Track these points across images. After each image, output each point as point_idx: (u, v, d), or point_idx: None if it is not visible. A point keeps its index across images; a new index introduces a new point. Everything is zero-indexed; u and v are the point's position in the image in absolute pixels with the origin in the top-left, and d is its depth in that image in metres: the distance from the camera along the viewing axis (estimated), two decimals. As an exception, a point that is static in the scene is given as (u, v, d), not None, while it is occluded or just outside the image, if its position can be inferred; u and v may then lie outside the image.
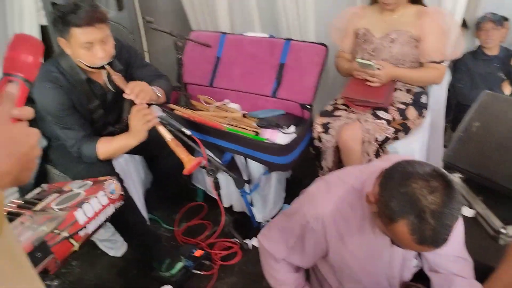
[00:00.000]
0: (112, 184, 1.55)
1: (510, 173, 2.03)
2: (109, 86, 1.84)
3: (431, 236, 0.92)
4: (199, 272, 1.97)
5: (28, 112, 0.63)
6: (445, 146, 2.50)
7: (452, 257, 1.24)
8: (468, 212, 2.11)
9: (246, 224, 2.22)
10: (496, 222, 1.96)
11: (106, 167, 1.81)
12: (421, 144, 2.05)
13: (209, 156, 1.89)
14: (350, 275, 1.29)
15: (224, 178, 2.15)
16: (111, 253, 2.13)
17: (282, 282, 1.37)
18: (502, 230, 1.90)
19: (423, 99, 2.01)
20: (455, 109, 2.62)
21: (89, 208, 1.42)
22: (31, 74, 0.66)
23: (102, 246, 2.14)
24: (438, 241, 0.93)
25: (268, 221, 2.20)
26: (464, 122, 2.08)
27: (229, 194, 2.28)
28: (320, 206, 1.17)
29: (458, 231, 1.24)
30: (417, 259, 1.39)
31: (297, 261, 1.31)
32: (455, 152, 2.10)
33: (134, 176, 2.16)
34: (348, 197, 1.16)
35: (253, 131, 1.99)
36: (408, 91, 2.01)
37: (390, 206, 0.96)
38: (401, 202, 0.94)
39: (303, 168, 2.43)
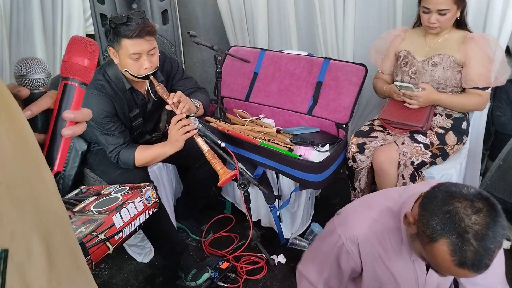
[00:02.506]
0: (149, 191, 1.58)
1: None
2: (151, 96, 1.90)
3: (472, 259, 0.87)
4: (223, 285, 1.96)
5: (88, 114, 0.65)
6: (481, 175, 2.43)
7: (491, 286, 1.19)
8: (505, 243, 2.03)
9: (273, 240, 2.21)
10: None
11: (141, 174, 1.85)
12: (458, 171, 2.00)
13: (242, 169, 1.90)
14: None
15: (254, 192, 2.16)
16: (139, 258, 2.16)
17: None
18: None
19: (464, 125, 1.97)
20: (494, 138, 2.55)
21: (126, 213, 1.46)
22: (87, 77, 0.66)
23: (130, 251, 2.17)
24: (479, 265, 0.88)
25: (296, 238, 2.18)
26: (505, 151, 2.01)
27: (258, 208, 2.28)
28: (354, 227, 1.15)
29: (499, 262, 1.18)
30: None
31: (334, 283, 1.29)
32: (493, 181, 2.03)
33: (166, 184, 2.20)
34: (384, 219, 1.14)
35: (287, 147, 1.99)
36: (448, 116, 1.97)
37: (431, 224, 0.92)
38: (443, 220, 0.91)
39: (333, 187, 2.42)
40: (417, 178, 1.87)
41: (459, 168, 2.00)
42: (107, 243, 1.36)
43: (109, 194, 1.58)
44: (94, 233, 1.34)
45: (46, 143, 0.63)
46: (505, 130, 2.40)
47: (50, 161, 0.62)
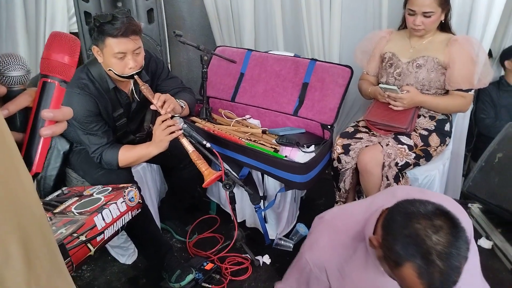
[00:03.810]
0: (132, 192, 1.56)
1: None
2: (135, 96, 1.88)
3: (440, 279, 0.87)
4: (208, 286, 1.94)
5: (68, 113, 0.63)
6: (463, 176, 2.47)
7: None
8: (485, 243, 2.06)
9: (258, 241, 2.20)
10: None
11: (125, 174, 1.82)
12: (441, 172, 2.02)
13: (227, 170, 1.89)
14: None
15: (239, 193, 2.15)
16: (122, 260, 2.12)
17: None
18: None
19: (447, 126, 2.00)
20: (476, 139, 2.59)
21: (108, 214, 1.43)
22: (68, 74, 0.64)
23: (113, 252, 2.14)
24: (447, 284, 0.88)
25: (281, 238, 2.18)
26: (487, 152, 2.05)
27: (243, 209, 2.27)
28: (321, 253, 1.17)
29: (473, 264, 1.20)
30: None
31: None
32: (475, 182, 2.07)
33: (150, 184, 2.17)
34: (349, 241, 1.14)
35: (273, 147, 1.98)
36: (432, 118, 1.99)
37: (394, 249, 0.92)
38: (405, 244, 0.90)
39: (318, 187, 2.43)
40: (401, 179, 1.89)
41: (442, 169, 2.03)
42: (88, 245, 1.34)
43: (91, 195, 1.55)
44: (75, 235, 1.31)
45: (25, 143, 0.61)
46: (488, 133, 2.44)
47: (29, 162, 0.60)
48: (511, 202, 1.98)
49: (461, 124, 2.23)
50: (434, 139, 1.93)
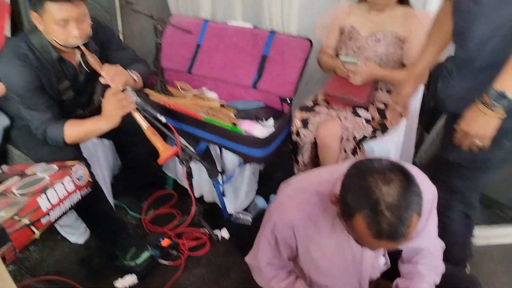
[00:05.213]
0: (80, 170, 1.46)
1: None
2: (83, 67, 1.74)
3: (387, 230, 0.88)
4: (165, 262, 1.91)
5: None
6: (415, 147, 2.55)
7: (427, 249, 1.25)
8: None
9: (216, 215, 2.18)
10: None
11: (73, 151, 1.71)
12: (396, 145, 2.07)
13: (184, 145, 1.83)
14: (318, 278, 1.28)
15: (196, 168, 2.10)
16: (73, 239, 2.03)
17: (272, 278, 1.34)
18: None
19: (402, 100, 2.02)
20: (428, 112, 2.67)
21: (54, 194, 1.33)
22: None
23: (63, 232, 2.04)
24: (395, 235, 0.89)
25: (239, 212, 2.17)
26: (438, 126, 2.11)
27: (200, 184, 2.22)
28: (289, 212, 1.17)
29: (434, 223, 1.25)
30: (384, 257, 1.40)
31: (276, 262, 1.31)
32: (427, 154, 2.14)
33: (101, 161, 2.07)
34: (317, 201, 1.14)
35: (231, 121, 1.93)
36: (389, 91, 2.01)
37: (347, 201, 0.94)
38: (356, 195, 0.92)
39: (277, 160, 2.42)
40: (358, 152, 1.91)
41: (397, 141, 2.07)
42: (32, 227, 1.24)
43: (34, 174, 1.44)
44: (16, 218, 1.21)
45: None
46: (442, 106, 2.51)
47: None
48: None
49: (415, 98, 2.27)
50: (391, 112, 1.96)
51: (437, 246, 1.30)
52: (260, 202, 2.24)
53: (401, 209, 0.88)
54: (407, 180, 0.91)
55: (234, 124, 1.93)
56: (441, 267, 1.27)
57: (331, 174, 1.16)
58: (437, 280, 1.25)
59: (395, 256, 1.34)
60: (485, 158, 1.32)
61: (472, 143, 1.20)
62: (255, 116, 1.94)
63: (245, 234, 2.07)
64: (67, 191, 1.39)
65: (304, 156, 2.02)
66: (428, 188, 1.17)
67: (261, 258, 1.30)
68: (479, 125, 1.15)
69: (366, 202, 0.89)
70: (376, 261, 1.32)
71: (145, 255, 1.85)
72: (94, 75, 1.74)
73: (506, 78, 1.09)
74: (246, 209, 2.23)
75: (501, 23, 1.13)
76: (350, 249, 1.20)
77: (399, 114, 1.83)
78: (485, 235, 1.98)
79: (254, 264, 1.35)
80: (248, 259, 1.39)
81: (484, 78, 1.17)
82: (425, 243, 1.25)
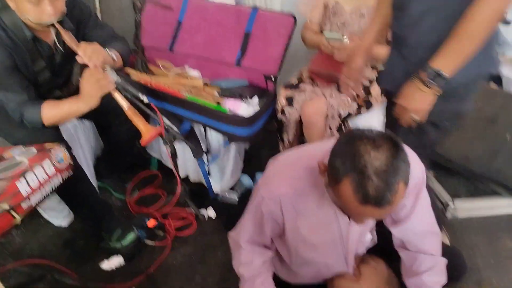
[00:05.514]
0: (60, 153, 1.42)
1: (462, 151, 2.13)
2: (58, 47, 1.67)
3: (374, 194, 0.87)
4: (152, 243, 1.90)
5: None
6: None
7: (421, 233, 1.27)
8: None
9: (202, 195, 2.17)
10: (445, 196, 2.06)
11: (52, 133, 1.66)
12: (381, 122, 2.07)
13: (167, 125, 1.79)
14: (305, 253, 1.29)
15: (181, 148, 2.07)
16: (56, 222, 2.00)
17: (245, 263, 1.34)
18: (450, 203, 2.00)
19: (387, 76, 2.01)
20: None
21: (33, 178, 1.30)
22: None
23: (46, 215, 2.00)
24: (382, 201, 0.88)
25: (225, 191, 2.17)
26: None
27: (185, 164, 2.20)
28: (276, 187, 1.16)
29: (425, 205, 1.26)
30: (372, 234, 1.42)
31: (258, 239, 1.31)
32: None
33: (83, 142, 2.02)
34: (306, 175, 1.14)
35: (215, 100, 1.90)
36: (373, 68, 2.00)
37: (334, 166, 0.93)
38: (344, 160, 0.91)
39: (262, 139, 2.41)
40: (343, 129, 1.91)
41: (382, 119, 2.07)
42: (12, 213, 1.21)
43: (12, 157, 1.39)
44: (-5, 203, 1.18)
45: None
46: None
47: None
48: (444, 147, 2.11)
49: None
50: (375, 89, 1.95)
51: (435, 233, 1.30)
52: (246, 180, 2.24)
53: (388, 174, 0.87)
54: (395, 146, 0.90)
55: (218, 103, 1.90)
56: (442, 262, 1.29)
57: (320, 149, 1.16)
58: (443, 280, 1.29)
59: (384, 234, 1.36)
60: (431, 139, 1.39)
61: (410, 117, 1.24)
62: (239, 94, 1.91)
63: (231, 213, 2.07)
64: (47, 174, 1.35)
65: (290, 134, 2.02)
66: (417, 165, 1.17)
67: (243, 233, 1.30)
68: (416, 101, 1.19)
69: (354, 166, 0.88)
70: (362, 236, 1.34)
71: (131, 236, 1.84)
72: (71, 54, 1.68)
73: (442, 57, 1.13)
74: (232, 188, 2.22)
75: (438, 3, 1.14)
76: (337, 223, 1.21)
77: (352, 89, 1.82)
78: (466, 208, 2.03)
79: (235, 239, 1.34)
80: (231, 233, 1.38)
81: (411, 56, 1.23)
82: (421, 226, 1.26)
